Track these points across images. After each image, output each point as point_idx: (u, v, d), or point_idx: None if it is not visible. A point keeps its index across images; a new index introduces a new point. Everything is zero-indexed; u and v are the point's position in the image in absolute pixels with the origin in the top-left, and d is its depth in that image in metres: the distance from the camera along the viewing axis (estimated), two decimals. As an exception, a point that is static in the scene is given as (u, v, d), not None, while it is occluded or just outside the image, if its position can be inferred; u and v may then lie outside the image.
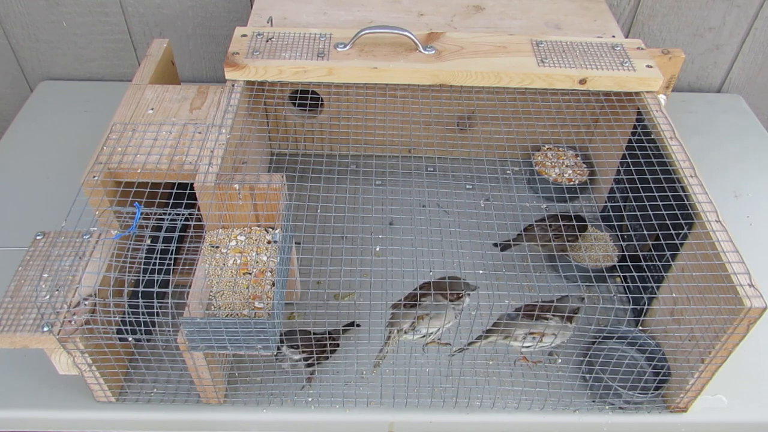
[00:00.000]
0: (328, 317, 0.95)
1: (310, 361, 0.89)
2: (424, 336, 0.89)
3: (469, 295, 0.87)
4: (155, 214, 0.83)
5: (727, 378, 0.88)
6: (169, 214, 0.81)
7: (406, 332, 0.89)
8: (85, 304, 0.81)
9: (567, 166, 1.23)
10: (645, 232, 0.94)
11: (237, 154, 0.95)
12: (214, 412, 0.89)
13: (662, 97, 1.02)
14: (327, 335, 0.91)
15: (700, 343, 0.82)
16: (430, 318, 0.87)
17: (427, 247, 0.98)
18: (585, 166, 1.23)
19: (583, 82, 1.01)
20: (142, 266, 0.82)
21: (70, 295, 0.82)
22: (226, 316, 0.77)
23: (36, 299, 0.82)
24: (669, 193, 0.90)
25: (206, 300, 0.80)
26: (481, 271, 1.04)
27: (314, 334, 0.87)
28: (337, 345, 0.93)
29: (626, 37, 1.36)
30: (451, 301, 0.86)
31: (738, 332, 0.77)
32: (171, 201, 0.83)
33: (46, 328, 0.78)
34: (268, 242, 0.86)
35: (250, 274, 0.82)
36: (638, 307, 0.99)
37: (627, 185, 1.02)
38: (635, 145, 1.01)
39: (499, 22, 1.17)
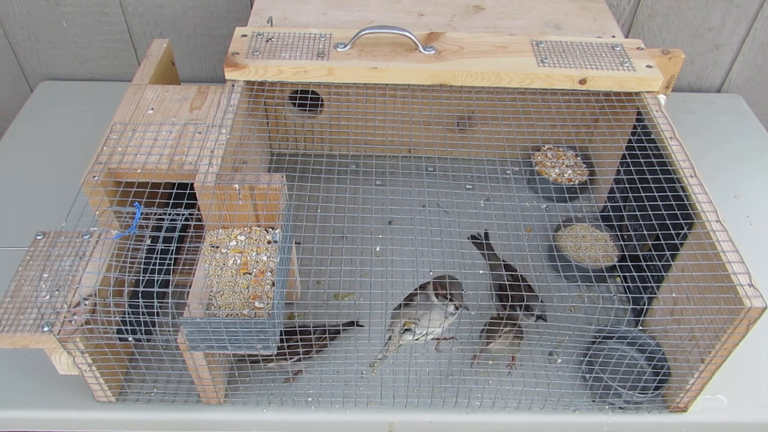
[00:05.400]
0: (328, 317, 0.95)
1: (295, 359, 0.88)
2: (419, 337, 0.89)
3: (456, 306, 0.86)
4: (155, 214, 0.83)
5: (727, 378, 0.88)
6: (169, 214, 0.81)
7: (403, 333, 0.88)
8: (85, 304, 0.81)
9: (567, 166, 1.23)
10: (645, 232, 0.94)
11: (237, 154, 0.95)
12: (214, 412, 0.89)
13: (662, 97, 1.02)
14: (317, 332, 0.91)
15: (700, 343, 0.82)
16: (418, 318, 0.87)
17: (427, 247, 0.98)
18: (585, 166, 1.23)
19: (583, 82, 1.01)
20: (142, 266, 0.82)
21: (70, 295, 0.82)
22: (226, 316, 0.77)
23: (36, 299, 0.82)
24: (669, 193, 0.90)
25: (206, 300, 0.80)
26: (481, 271, 1.04)
27: (312, 329, 0.87)
28: (325, 345, 0.93)
29: (626, 37, 1.36)
30: (437, 296, 0.86)
31: (738, 332, 0.77)
32: (171, 201, 0.83)
33: (46, 328, 0.78)
34: (268, 242, 0.86)
35: (250, 274, 0.82)
36: (638, 307, 0.99)
37: (627, 185, 1.02)
38: (635, 145, 1.01)
39: (499, 22, 1.17)
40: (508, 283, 0.95)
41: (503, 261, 1.02)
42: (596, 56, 1.04)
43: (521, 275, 0.99)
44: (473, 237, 1.05)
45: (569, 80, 1.01)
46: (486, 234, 1.04)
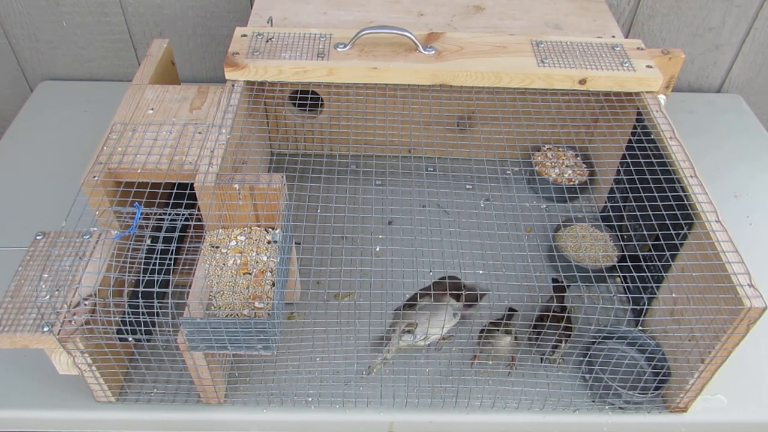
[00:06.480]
0: (328, 317, 0.95)
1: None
2: (419, 340, 0.89)
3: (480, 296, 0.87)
4: (155, 214, 0.83)
5: (727, 378, 0.88)
6: (169, 214, 0.81)
7: (403, 334, 0.89)
8: (85, 304, 0.81)
9: (567, 166, 1.23)
10: (645, 232, 0.94)
11: (237, 154, 0.95)
12: (214, 412, 0.89)
13: (662, 97, 1.02)
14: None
15: (700, 343, 0.82)
16: (428, 320, 0.87)
17: (427, 247, 0.98)
18: (585, 166, 1.23)
19: (583, 82, 1.01)
20: (142, 266, 0.82)
21: (70, 295, 0.82)
22: (226, 316, 0.77)
23: (36, 299, 0.82)
24: (669, 193, 0.90)
25: (206, 300, 0.80)
26: (481, 271, 1.04)
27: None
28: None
29: (626, 37, 1.36)
30: (453, 298, 0.86)
31: (738, 332, 0.77)
32: (171, 201, 0.83)
33: (46, 328, 0.78)
34: (268, 242, 0.86)
35: (250, 274, 0.82)
36: (638, 307, 0.99)
37: (627, 185, 1.02)
38: (635, 145, 1.01)
39: (499, 22, 1.17)
40: (552, 314, 0.94)
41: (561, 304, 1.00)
42: (596, 56, 1.04)
43: (569, 314, 0.97)
44: (555, 280, 1.05)
45: (569, 80, 1.01)
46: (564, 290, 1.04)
